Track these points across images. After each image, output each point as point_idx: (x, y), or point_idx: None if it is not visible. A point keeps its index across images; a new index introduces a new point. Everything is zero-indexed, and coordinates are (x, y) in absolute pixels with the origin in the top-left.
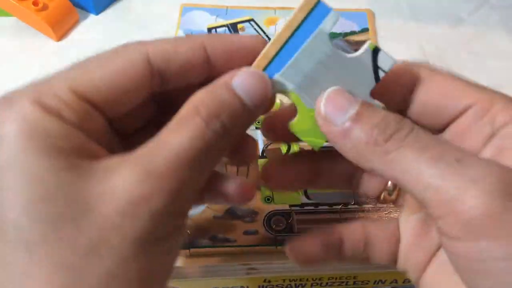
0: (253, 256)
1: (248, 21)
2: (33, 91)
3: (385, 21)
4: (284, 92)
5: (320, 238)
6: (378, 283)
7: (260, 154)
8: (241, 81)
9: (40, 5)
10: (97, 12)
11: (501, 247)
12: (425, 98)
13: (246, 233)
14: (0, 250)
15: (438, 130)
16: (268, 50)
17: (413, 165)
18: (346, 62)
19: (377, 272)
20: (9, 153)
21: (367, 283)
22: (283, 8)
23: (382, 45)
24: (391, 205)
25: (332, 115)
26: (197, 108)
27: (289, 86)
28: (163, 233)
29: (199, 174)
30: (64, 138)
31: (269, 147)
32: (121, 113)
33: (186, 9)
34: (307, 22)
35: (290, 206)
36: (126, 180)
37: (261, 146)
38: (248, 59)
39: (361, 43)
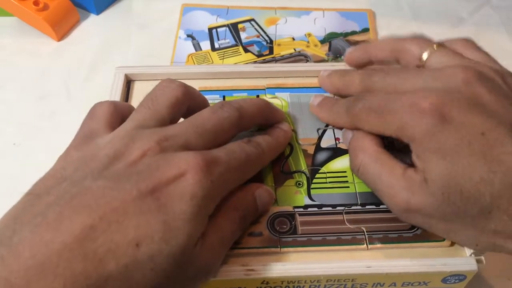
0: (256, 258)
1: (249, 21)
2: None
3: (386, 21)
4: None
5: None
6: (376, 285)
7: None
8: (260, 193)
9: (41, 5)
10: (98, 12)
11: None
12: None
13: (250, 235)
14: None
15: None
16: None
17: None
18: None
19: (376, 274)
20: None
21: (366, 286)
22: (283, 8)
23: None
24: None
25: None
26: (236, 207)
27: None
28: None
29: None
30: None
31: None
32: None
33: (187, 9)
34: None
35: (294, 207)
36: (209, 263)
37: None
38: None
39: (362, 43)
